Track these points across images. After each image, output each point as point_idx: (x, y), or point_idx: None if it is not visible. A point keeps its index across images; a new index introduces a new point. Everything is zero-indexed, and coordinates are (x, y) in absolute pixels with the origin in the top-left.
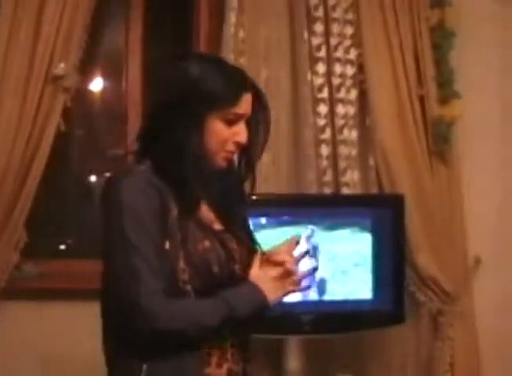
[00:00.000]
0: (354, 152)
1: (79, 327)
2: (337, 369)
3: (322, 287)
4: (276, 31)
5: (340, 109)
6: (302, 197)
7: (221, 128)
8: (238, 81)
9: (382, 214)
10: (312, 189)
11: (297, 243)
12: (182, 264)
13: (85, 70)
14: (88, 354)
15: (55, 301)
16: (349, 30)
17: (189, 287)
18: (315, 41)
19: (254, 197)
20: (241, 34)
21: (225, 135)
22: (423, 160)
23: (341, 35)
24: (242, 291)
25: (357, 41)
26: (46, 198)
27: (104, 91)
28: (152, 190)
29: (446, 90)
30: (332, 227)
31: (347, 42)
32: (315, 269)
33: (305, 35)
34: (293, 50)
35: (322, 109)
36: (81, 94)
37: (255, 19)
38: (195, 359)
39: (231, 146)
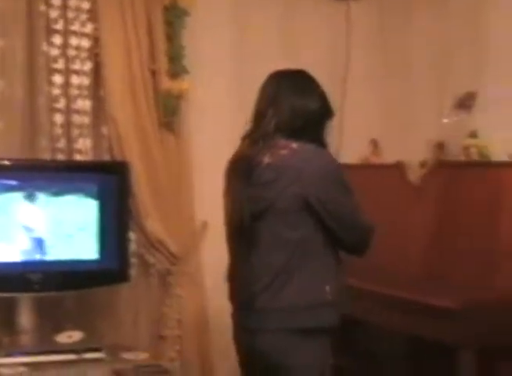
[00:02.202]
0: (87, 121)
1: None
2: (68, 326)
3: (43, 247)
4: (13, 2)
5: (75, 79)
6: (29, 162)
7: None
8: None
9: (108, 181)
10: (46, 156)
11: None
12: None
13: None
14: None
15: None
16: (86, 5)
17: None
18: (53, 14)
19: None
20: None
21: None
22: (153, 130)
23: (78, 9)
24: None
25: (93, 15)
26: None
27: None
28: None
29: (176, 65)
30: (58, 193)
31: (84, 16)
32: None
33: (42, 8)
34: (30, 22)
35: (57, 79)
36: None
37: None
38: None
39: None
